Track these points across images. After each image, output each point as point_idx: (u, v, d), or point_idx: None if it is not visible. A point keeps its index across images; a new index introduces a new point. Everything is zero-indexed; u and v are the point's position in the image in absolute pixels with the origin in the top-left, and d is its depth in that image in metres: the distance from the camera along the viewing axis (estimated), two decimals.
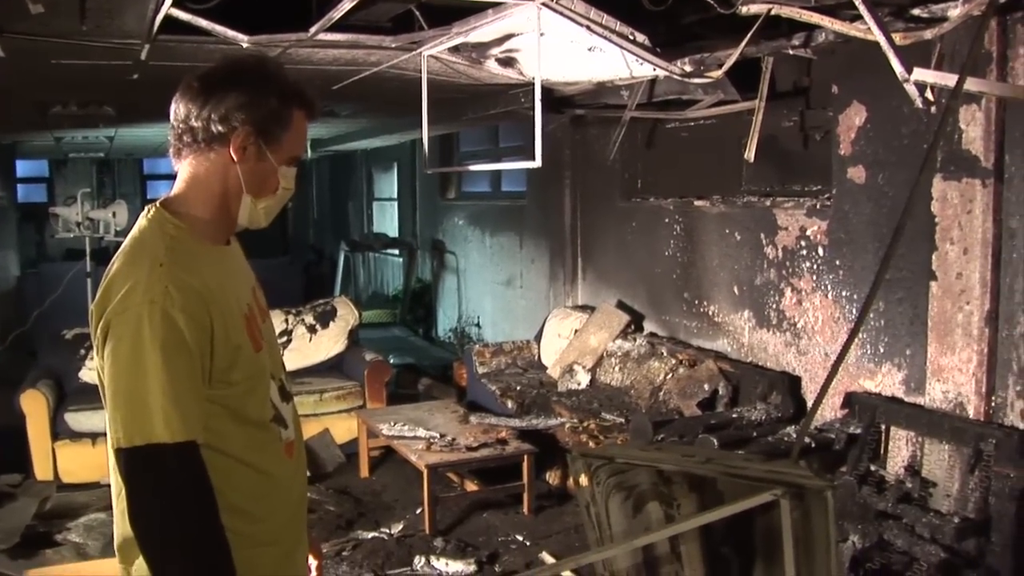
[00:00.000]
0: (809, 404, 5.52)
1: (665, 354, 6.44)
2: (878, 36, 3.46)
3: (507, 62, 5.15)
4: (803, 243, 5.54)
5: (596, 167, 7.68)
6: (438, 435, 5.74)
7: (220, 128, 1.88)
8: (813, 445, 4.74)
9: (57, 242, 12.65)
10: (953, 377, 4.34)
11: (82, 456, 6.11)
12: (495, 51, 4.92)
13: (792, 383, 5.57)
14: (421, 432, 5.78)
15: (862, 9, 3.39)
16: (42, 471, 6.15)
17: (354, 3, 3.70)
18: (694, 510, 2.08)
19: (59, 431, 6.28)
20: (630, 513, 2.17)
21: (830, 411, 5.28)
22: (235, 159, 1.92)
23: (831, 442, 4.76)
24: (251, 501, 1.92)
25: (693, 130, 6.73)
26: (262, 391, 1.95)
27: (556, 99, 6.53)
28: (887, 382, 4.92)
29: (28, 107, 7.38)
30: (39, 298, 9.94)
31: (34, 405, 6.20)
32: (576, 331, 7.25)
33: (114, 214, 8.67)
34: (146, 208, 1.98)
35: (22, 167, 14.99)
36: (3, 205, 12.29)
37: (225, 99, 1.87)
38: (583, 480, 2.29)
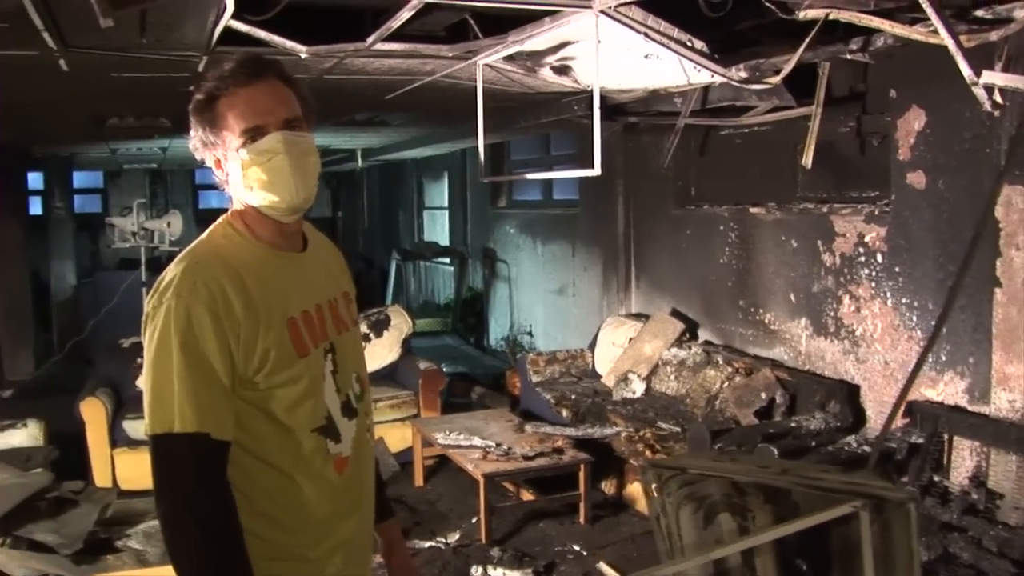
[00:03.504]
0: (868, 413, 5.46)
1: (721, 362, 6.39)
2: (946, 39, 3.39)
3: (562, 70, 5.14)
4: (861, 250, 5.48)
5: (649, 175, 7.64)
6: (494, 444, 5.73)
7: (198, 157, 2.01)
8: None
9: (112, 252, 12.88)
10: (1020, 386, 4.26)
11: (140, 463, 6.14)
12: (550, 59, 4.92)
13: (850, 392, 5.51)
14: (477, 441, 5.78)
15: (929, 12, 3.33)
16: (101, 478, 6.24)
17: (413, 12, 3.71)
18: (769, 522, 2.06)
19: (117, 439, 6.37)
20: (701, 524, 2.14)
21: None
22: (224, 177, 1.99)
23: (892, 452, 4.69)
24: (280, 509, 1.92)
25: (747, 136, 6.67)
26: (306, 398, 1.93)
27: (609, 107, 6.50)
28: (949, 391, 4.84)
29: (86, 119, 7.51)
30: (95, 307, 10.10)
31: (93, 413, 6.29)
32: (630, 339, 7.22)
33: (168, 224, 8.79)
34: None
35: (78, 178, 15.24)
36: (61, 216, 12.50)
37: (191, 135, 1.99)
38: (653, 490, 2.26)
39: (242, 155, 1.91)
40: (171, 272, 1.85)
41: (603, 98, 6.17)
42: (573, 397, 6.90)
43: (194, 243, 1.97)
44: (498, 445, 5.73)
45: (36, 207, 13.46)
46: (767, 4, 3.72)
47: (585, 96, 6.11)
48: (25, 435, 5.70)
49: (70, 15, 3.70)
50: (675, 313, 7.26)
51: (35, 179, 13.03)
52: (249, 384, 1.84)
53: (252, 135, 1.90)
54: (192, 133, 1.97)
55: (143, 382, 1.81)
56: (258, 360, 1.84)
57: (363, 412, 2.09)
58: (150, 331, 1.81)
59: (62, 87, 5.58)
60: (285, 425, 1.90)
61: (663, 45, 4.08)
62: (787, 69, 4.35)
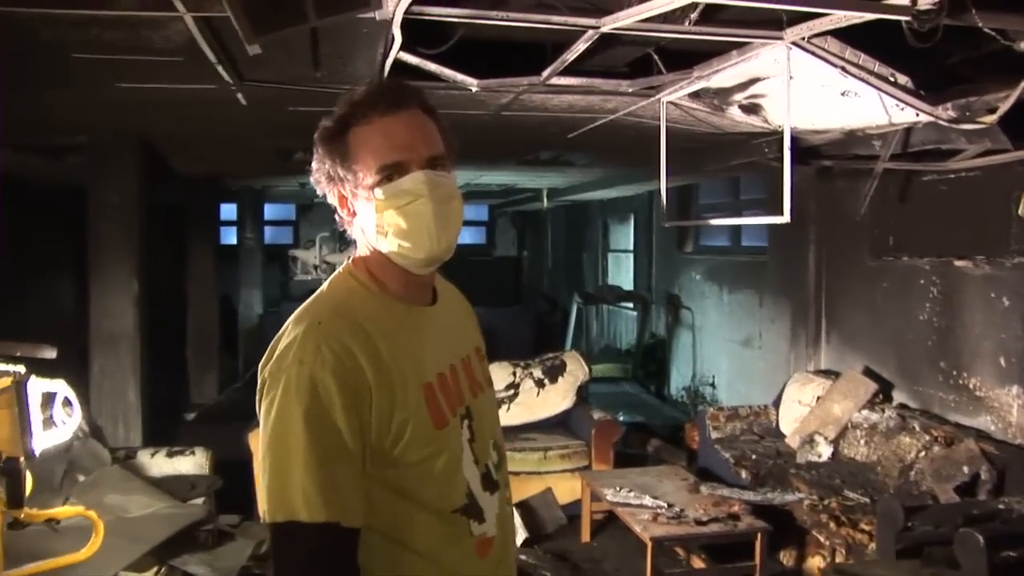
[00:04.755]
0: None
1: (918, 429, 5.85)
2: None
3: (751, 109, 4.83)
4: None
5: (843, 222, 7.15)
6: (665, 505, 5.39)
7: (319, 192, 1.81)
8: None
9: (300, 282, 13.24)
10: None
11: None
12: (738, 96, 4.62)
13: None
14: (648, 501, 5.45)
15: None
16: (262, 512, 6.24)
17: (588, 45, 3.52)
18: None
19: None
20: None
21: None
22: (350, 215, 1.78)
23: None
24: None
25: (953, 183, 6.13)
26: (445, 475, 1.69)
27: (802, 149, 6.13)
28: None
29: (272, 154, 7.68)
30: None
31: (258, 444, 6.29)
32: (818, 398, 6.74)
33: (350, 258, 8.87)
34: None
35: (270, 210, 15.79)
36: (251, 246, 12.95)
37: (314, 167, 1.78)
38: None
39: (377, 195, 1.68)
40: (289, 334, 1.64)
41: (795, 139, 5.82)
42: (754, 457, 6.47)
43: (313, 297, 1.76)
44: (670, 506, 5.39)
45: (230, 237, 13.97)
46: (988, 32, 3.30)
47: (776, 137, 5.78)
48: (192, 463, 5.77)
49: (241, 48, 3.71)
50: (867, 372, 6.74)
51: (229, 210, 13.51)
52: (382, 461, 1.61)
53: (390, 173, 1.68)
54: (315, 164, 1.77)
55: (260, 461, 1.60)
56: (393, 434, 1.61)
57: (503, 484, 1.85)
58: (267, 403, 1.60)
59: (244, 121, 5.69)
60: (423, 505, 1.67)
61: (862, 80, 3.71)
62: (1005, 107, 3.90)
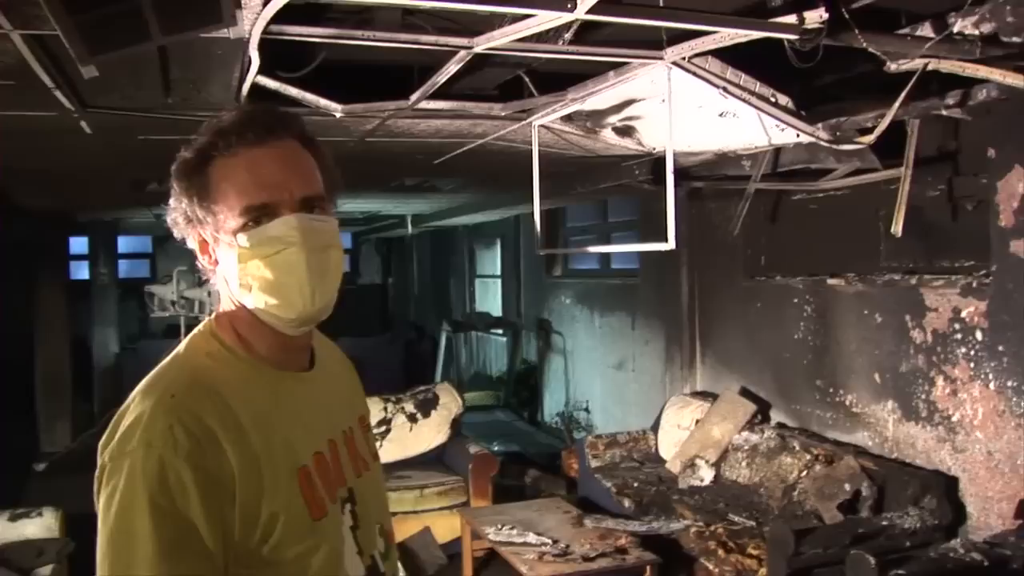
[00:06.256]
0: (969, 509, 4.88)
1: (798, 448, 5.82)
2: None
3: (625, 131, 4.70)
4: (957, 326, 4.93)
5: (716, 243, 7.13)
6: (550, 541, 5.20)
7: (176, 235, 1.53)
8: (985, 563, 4.08)
9: (159, 318, 12.62)
10: None
11: None
12: (612, 119, 4.48)
13: (948, 485, 4.94)
14: (531, 538, 5.24)
15: None
16: None
17: (460, 65, 3.30)
18: None
19: None
20: None
21: (997, 519, 4.63)
22: (211, 263, 1.50)
23: (1006, 559, 4.10)
24: None
25: (823, 202, 6.16)
26: (323, 572, 1.41)
27: (673, 171, 6.05)
28: None
29: (125, 185, 7.23)
30: (137, 377, 9.76)
31: None
32: (697, 421, 6.67)
33: (209, 293, 8.40)
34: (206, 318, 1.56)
35: (125, 243, 15.02)
36: (104, 281, 12.30)
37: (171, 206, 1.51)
38: None
39: (240, 241, 1.41)
40: (135, 408, 1.35)
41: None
42: (636, 485, 6.34)
43: (166, 361, 1.46)
44: (555, 542, 5.20)
45: (82, 272, 13.19)
46: (873, 52, 3.24)
47: (647, 160, 5.68)
48: (39, 525, 5.22)
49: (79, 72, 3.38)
50: (745, 392, 6.71)
51: (80, 244, 12.80)
52: (249, 561, 1.34)
53: (256, 216, 1.41)
54: (172, 202, 1.48)
55: (98, 563, 1.31)
56: (261, 530, 1.34)
57: (391, 575, 1.59)
58: (107, 494, 1.31)
59: (92, 151, 5.28)
60: None
61: (743, 100, 3.61)
62: (881, 127, 3.86)
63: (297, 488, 1.39)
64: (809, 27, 2.86)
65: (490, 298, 13.69)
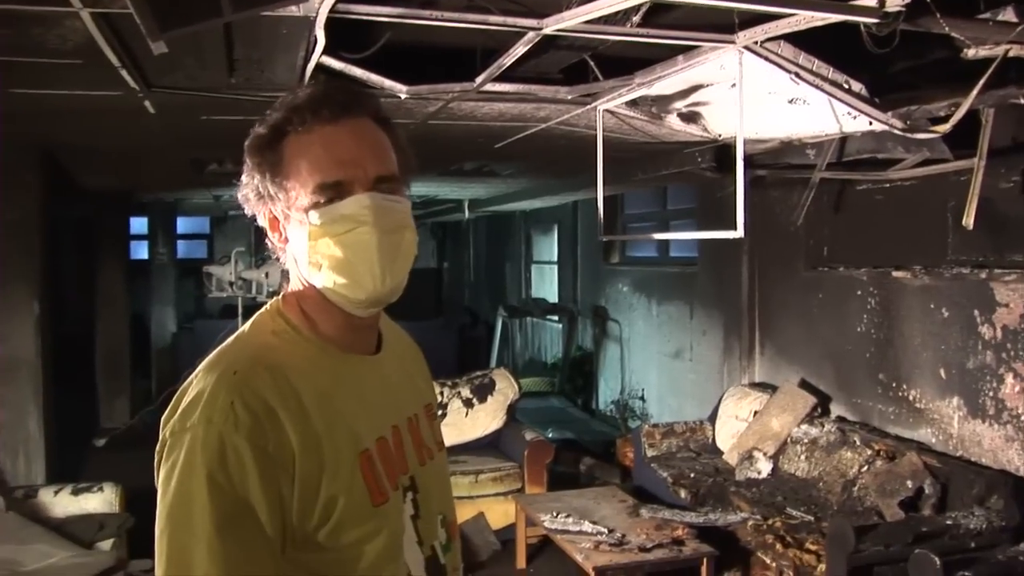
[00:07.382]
0: None
1: (858, 443, 5.71)
2: None
3: (690, 117, 4.63)
4: None
5: (777, 233, 7.01)
6: (605, 530, 5.15)
7: (247, 211, 1.50)
8: None
9: (216, 298, 12.76)
10: None
11: None
12: (678, 104, 4.40)
13: (1016, 485, 4.80)
14: (587, 526, 5.21)
15: None
16: None
17: (527, 48, 3.25)
18: None
19: None
20: None
21: None
22: (282, 240, 1.49)
23: None
24: None
25: (889, 192, 6.03)
26: (383, 560, 1.38)
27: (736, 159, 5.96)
28: None
29: (185, 165, 7.29)
30: (193, 355, 9.87)
31: None
32: (756, 412, 6.58)
33: (267, 275, 8.45)
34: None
35: (184, 224, 15.19)
36: (163, 261, 12.45)
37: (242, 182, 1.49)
38: None
39: (312, 219, 1.38)
40: (197, 384, 1.33)
41: (728, 148, 5.65)
42: (692, 476, 6.28)
43: (231, 339, 1.43)
44: (610, 531, 5.15)
45: (141, 252, 13.40)
46: (955, 36, 3.13)
47: (710, 147, 5.59)
48: (100, 500, 5.29)
49: (147, 50, 3.38)
50: (804, 385, 6.61)
51: (139, 224, 12.93)
52: (306, 544, 1.31)
53: (329, 193, 1.38)
54: (244, 178, 1.46)
55: (157, 539, 1.29)
56: (319, 513, 1.31)
57: (451, 568, 1.55)
58: (167, 469, 1.29)
59: (154, 131, 5.31)
60: None
61: (816, 87, 3.51)
62: (958, 115, 3.73)
63: (359, 472, 1.36)
64: (889, 10, 2.77)
65: (546, 284, 13.64)
